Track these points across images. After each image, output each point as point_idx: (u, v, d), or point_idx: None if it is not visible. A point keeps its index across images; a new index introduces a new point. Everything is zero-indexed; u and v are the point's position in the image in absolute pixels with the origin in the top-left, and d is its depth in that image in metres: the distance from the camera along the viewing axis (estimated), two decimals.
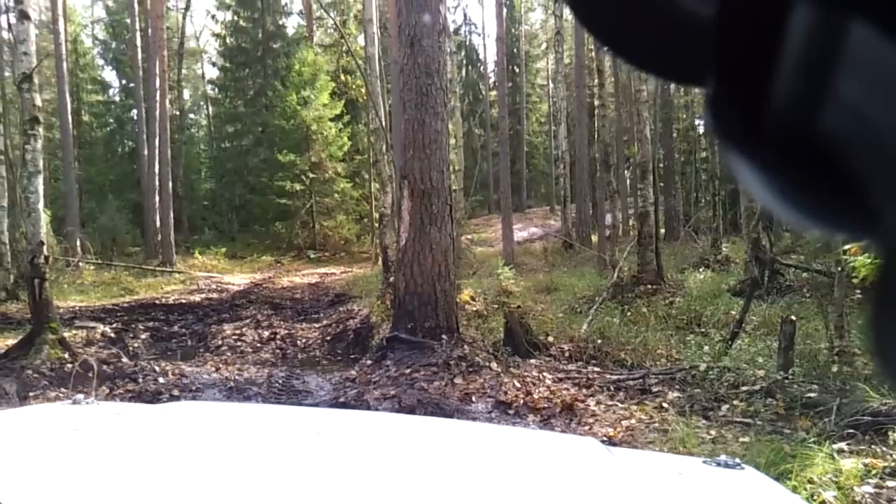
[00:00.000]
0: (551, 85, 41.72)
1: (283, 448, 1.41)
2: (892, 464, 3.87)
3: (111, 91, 34.05)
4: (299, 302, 17.08)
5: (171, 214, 23.32)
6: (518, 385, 5.95)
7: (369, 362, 6.95)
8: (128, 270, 20.98)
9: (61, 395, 5.94)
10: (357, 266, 24.49)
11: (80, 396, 1.73)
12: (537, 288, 13.72)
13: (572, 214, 22.55)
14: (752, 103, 0.32)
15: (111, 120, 32.99)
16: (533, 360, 6.86)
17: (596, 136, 29.77)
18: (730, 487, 1.42)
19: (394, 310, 7.76)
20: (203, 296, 18.04)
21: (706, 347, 7.46)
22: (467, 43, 44.87)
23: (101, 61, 34.35)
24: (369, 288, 16.02)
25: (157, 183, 22.67)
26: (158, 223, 22.70)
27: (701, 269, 13.99)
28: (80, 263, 20.77)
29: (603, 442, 1.92)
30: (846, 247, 4.86)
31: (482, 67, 45.49)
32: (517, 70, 41.61)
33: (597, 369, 6.63)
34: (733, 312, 9.08)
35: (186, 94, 40.83)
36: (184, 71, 37.80)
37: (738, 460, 1.53)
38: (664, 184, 20.85)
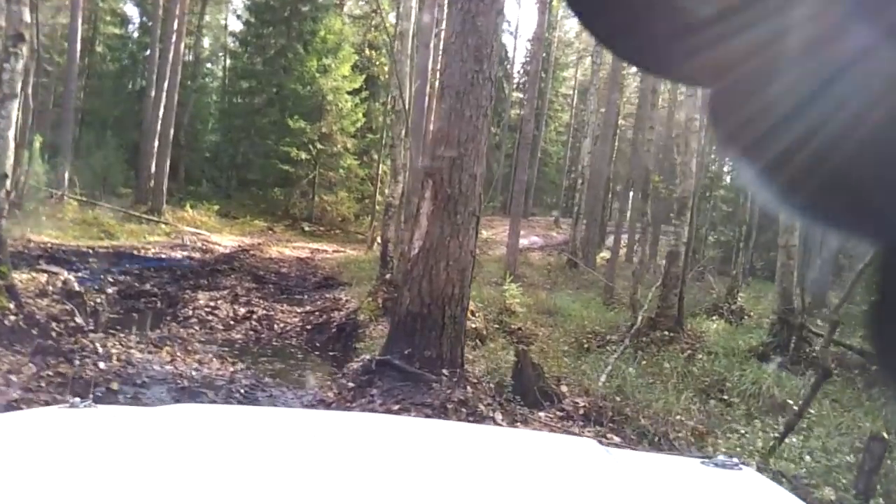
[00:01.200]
0: (576, 96, 41.31)
1: (281, 451, 1.41)
2: None
3: (130, 26, 32.90)
4: (285, 278, 16.20)
5: (168, 161, 22.31)
6: None
7: (351, 385, 5.85)
8: (112, 213, 19.95)
9: None
10: (351, 247, 23.69)
11: (77, 400, 1.70)
12: (539, 308, 12.78)
13: (581, 231, 21.59)
14: (752, 103, 0.32)
15: (125, 55, 31.86)
16: (542, 414, 5.80)
17: (615, 155, 28.81)
18: (728, 487, 1.43)
19: (390, 328, 6.68)
20: (185, 253, 17.08)
21: (759, 441, 6.32)
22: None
23: None
24: (361, 276, 15.06)
25: (158, 127, 21.63)
26: (154, 168, 21.65)
27: (714, 318, 13.10)
28: (64, 197, 19.71)
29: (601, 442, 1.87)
30: None
31: (509, 66, 44.65)
32: (544, 76, 40.77)
33: (616, 439, 5.59)
34: (762, 383, 8.16)
35: (206, 42, 39.68)
36: (206, 18, 36.68)
37: (735, 460, 1.53)
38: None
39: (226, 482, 1.17)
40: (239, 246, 19.68)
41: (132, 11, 33.54)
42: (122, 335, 6.89)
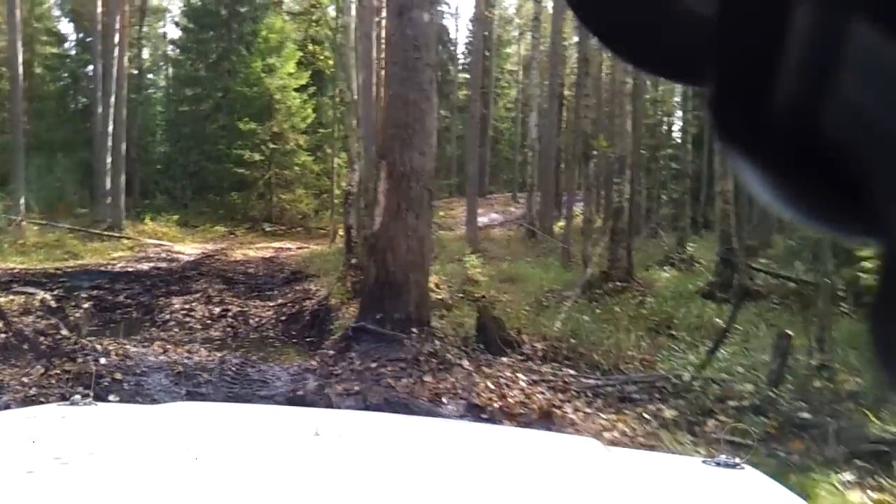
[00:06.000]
0: (521, 71, 41.69)
1: (282, 449, 1.41)
2: None
3: (67, 44, 32.50)
4: (253, 277, 16.54)
5: (123, 177, 22.39)
6: (491, 386, 5.58)
7: (332, 352, 6.47)
8: (73, 233, 20.05)
9: None
10: (314, 242, 23.96)
11: (78, 397, 1.68)
12: (501, 277, 13.42)
13: (537, 203, 22.27)
14: (752, 103, 0.32)
15: (65, 74, 31.46)
16: (505, 359, 6.47)
17: (564, 125, 29.57)
18: (730, 487, 1.42)
19: (361, 298, 7.30)
20: (151, 265, 17.31)
21: (682, 352, 7.19)
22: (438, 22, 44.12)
23: (57, 12, 32.72)
24: (327, 267, 15.52)
25: (109, 143, 21.71)
26: (109, 185, 21.75)
27: (666, 268, 13.87)
28: (23, 223, 19.76)
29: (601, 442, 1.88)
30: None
31: (452, 48, 44.86)
32: (488, 54, 41.01)
33: (572, 372, 6.29)
34: (705, 317, 8.91)
35: (146, 53, 39.32)
36: (145, 29, 36.36)
37: (737, 460, 1.51)
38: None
39: (227, 480, 1.19)
40: (203, 253, 19.89)
41: (67, 29, 33.19)
42: (112, 338, 7.37)
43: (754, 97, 0.32)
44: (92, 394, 1.75)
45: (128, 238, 20.72)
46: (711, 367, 6.03)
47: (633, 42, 0.36)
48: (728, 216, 11.12)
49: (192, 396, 5.41)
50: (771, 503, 1.39)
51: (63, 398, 5.12)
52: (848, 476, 3.83)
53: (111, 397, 5.20)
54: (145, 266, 16.94)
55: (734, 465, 1.49)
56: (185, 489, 1.12)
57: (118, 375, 5.48)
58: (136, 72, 32.24)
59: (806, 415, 4.74)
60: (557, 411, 5.17)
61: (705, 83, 0.33)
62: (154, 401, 5.29)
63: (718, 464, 1.50)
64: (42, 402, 4.99)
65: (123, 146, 22.63)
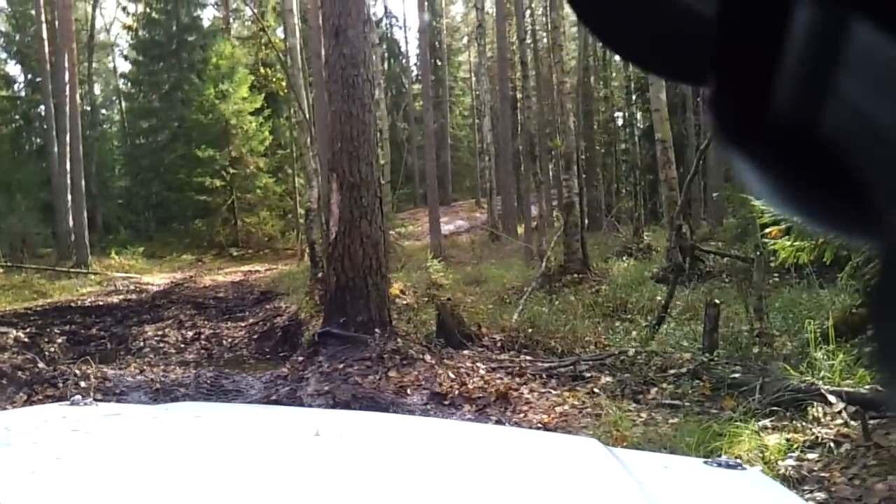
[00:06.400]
0: (474, 78, 42.28)
1: (282, 449, 1.41)
2: (812, 437, 4.05)
3: (16, 86, 32.36)
4: (223, 301, 16.70)
5: (85, 213, 22.39)
6: (452, 376, 5.96)
7: (301, 358, 6.83)
8: (40, 273, 20.02)
9: None
10: (282, 262, 24.13)
11: (78, 397, 1.71)
12: (466, 280, 13.81)
13: (498, 206, 22.73)
14: (753, 103, 0.32)
15: (17, 116, 31.35)
16: (466, 351, 6.88)
17: (519, 128, 30.21)
18: (730, 488, 1.41)
19: (325, 305, 7.66)
20: (121, 297, 17.40)
21: (634, 333, 7.65)
22: (389, 35, 44.56)
23: (3, 54, 32.58)
24: (296, 285, 15.79)
25: (68, 181, 21.70)
26: (71, 223, 21.76)
27: (624, 258, 14.35)
28: None
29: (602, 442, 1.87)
30: (766, 231, 5.06)
31: (404, 60, 45.33)
32: (440, 63, 41.58)
33: (529, 358, 6.71)
34: (658, 298, 9.34)
35: (97, 88, 39.27)
36: (94, 65, 36.30)
37: (738, 460, 1.52)
38: (586, 175, 21.24)
39: (227, 480, 1.19)
40: (171, 282, 19.99)
41: (14, 71, 33.02)
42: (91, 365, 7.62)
43: (754, 97, 0.32)
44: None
45: (95, 273, 20.73)
46: (655, 341, 6.49)
47: (633, 41, 0.37)
48: (674, 203, 11.62)
49: None
50: (771, 503, 1.39)
51: None
52: (766, 422, 4.27)
53: None
54: (115, 299, 17.03)
55: (735, 466, 1.49)
56: (186, 489, 1.13)
57: (99, 396, 5.75)
58: (89, 108, 32.20)
59: (736, 375, 5.19)
60: (514, 393, 5.56)
61: (705, 83, 0.33)
62: None
63: (719, 464, 1.49)
64: None
65: (83, 183, 22.63)
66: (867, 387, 4.51)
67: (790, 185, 0.32)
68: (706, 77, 0.33)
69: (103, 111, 39.44)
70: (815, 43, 0.30)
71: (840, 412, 4.30)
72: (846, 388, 4.53)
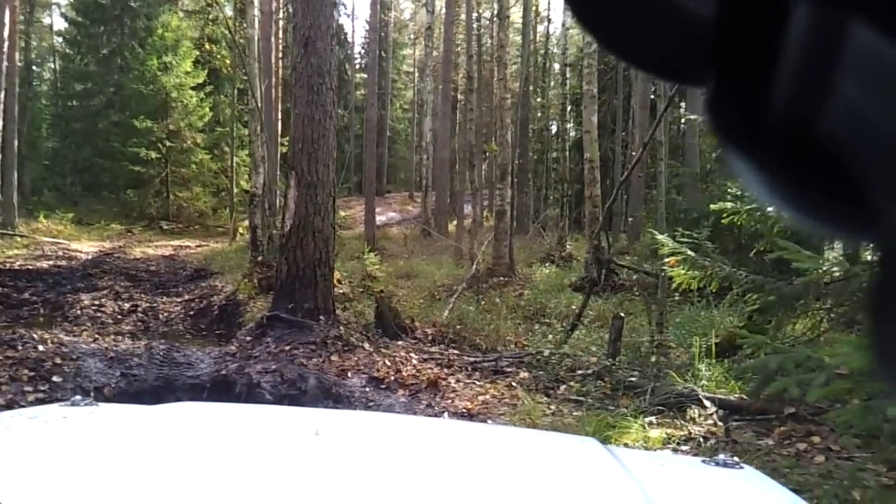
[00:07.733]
0: (417, 74, 42.77)
1: (282, 448, 1.43)
2: (686, 433, 4.95)
3: None
4: (156, 275, 16.85)
5: (15, 174, 22.01)
6: (388, 363, 6.67)
7: (249, 338, 7.44)
8: None
9: None
10: (213, 240, 24.18)
11: (78, 398, 1.70)
12: (398, 273, 14.49)
13: (432, 203, 23.47)
14: (751, 103, 0.33)
15: None
16: (401, 342, 7.62)
17: (457, 129, 30.98)
18: (729, 487, 1.43)
19: (275, 290, 8.27)
20: (51, 262, 17.34)
21: (550, 336, 8.54)
22: (336, 23, 44.61)
23: None
24: (230, 265, 16.14)
25: (0, 140, 21.31)
26: (0, 182, 21.38)
27: (547, 265, 15.27)
28: None
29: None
30: (665, 259, 5.94)
31: (349, 49, 45.40)
32: (384, 55, 41.90)
33: (456, 352, 7.49)
34: (573, 306, 10.25)
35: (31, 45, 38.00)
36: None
37: (737, 459, 1.54)
38: (518, 181, 22.19)
39: (227, 480, 1.20)
40: (101, 251, 19.88)
41: None
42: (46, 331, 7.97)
43: (753, 98, 0.32)
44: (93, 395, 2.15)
45: (22, 236, 20.49)
46: (568, 345, 7.40)
47: (630, 41, 0.37)
48: (596, 219, 12.60)
49: (125, 377, 6.23)
50: (771, 503, 1.39)
51: (12, 379, 5.84)
52: (653, 419, 5.16)
53: (55, 378, 5.97)
54: (45, 264, 16.96)
55: (734, 465, 1.50)
56: (186, 489, 1.13)
57: (58, 360, 6.22)
58: (21, 65, 31.29)
59: (633, 379, 6.10)
60: (443, 382, 6.31)
61: (704, 83, 0.33)
62: (92, 380, 6.11)
63: (718, 464, 1.50)
64: None
65: (16, 143, 22.22)
66: (735, 395, 5.48)
67: (789, 185, 0.33)
68: (703, 77, 0.34)
69: (34, 68, 38.21)
70: (814, 43, 0.30)
71: (712, 414, 5.22)
72: (719, 395, 5.49)
